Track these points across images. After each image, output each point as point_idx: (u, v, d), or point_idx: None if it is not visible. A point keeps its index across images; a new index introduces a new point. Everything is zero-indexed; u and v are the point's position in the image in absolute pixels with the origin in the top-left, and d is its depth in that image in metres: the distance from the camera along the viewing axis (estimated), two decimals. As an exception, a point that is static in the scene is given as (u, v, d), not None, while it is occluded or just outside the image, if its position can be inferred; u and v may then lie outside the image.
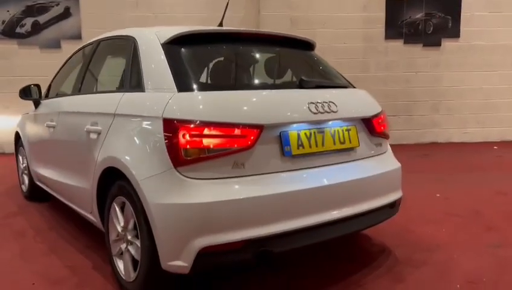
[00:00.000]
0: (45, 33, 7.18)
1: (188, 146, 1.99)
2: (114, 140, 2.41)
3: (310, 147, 2.28)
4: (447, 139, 8.10)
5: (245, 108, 2.14)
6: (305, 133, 2.27)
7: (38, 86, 3.82)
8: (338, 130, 2.41)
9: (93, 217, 2.80)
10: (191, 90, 2.18)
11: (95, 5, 7.21)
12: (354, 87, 2.85)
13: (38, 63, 6.95)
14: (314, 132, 2.30)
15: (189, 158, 1.99)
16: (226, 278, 2.57)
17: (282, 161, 2.19)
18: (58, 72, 3.86)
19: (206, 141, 2.01)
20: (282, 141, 2.18)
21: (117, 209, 2.41)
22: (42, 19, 7.16)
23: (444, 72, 7.95)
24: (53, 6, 7.13)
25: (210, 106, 2.10)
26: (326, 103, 2.35)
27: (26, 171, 4.34)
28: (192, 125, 2.00)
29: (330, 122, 2.38)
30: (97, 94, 2.95)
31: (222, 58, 2.62)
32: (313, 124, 2.30)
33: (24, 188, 4.49)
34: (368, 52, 7.82)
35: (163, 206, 2.00)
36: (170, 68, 2.26)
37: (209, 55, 2.56)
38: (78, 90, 3.22)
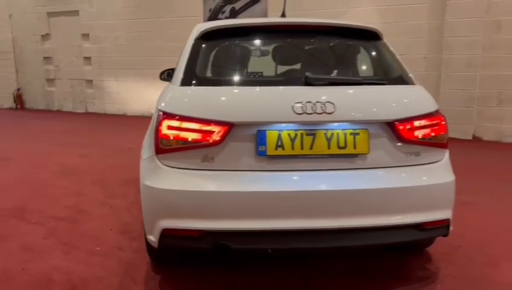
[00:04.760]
0: (239, 18, 8.12)
1: (165, 136, 2.22)
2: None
3: (293, 148, 2.15)
4: None
5: (217, 105, 2.19)
6: (289, 134, 2.15)
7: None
8: (338, 133, 2.16)
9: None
10: (188, 85, 2.35)
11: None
12: (406, 83, 2.42)
13: (231, 45, 7.96)
14: (302, 134, 2.15)
15: (165, 147, 2.22)
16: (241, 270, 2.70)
17: (256, 160, 2.16)
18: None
19: (178, 134, 2.18)
20: (258, 140, 2.15)
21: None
22: (238, 5, 8.12)
23: None
24: (246, -6, 7.99)
25: (187, 101, 2.25)
26: (320, 103, 2.13)
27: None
28: (170, 118, 2.20)
29: (329, 124, 2.16)
30: None
31: (229, 53, 2.63)
32: (303, 125, 2.15)
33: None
34: None
35: (145, 186, 2.30)
36: (186, 63, 2.48)
37: (220, 50, 2.62)
38: None
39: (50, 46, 10.66)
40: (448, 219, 2.30)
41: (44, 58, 10.76)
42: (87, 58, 10.16)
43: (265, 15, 7.81)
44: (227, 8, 8.22)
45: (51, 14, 10.45)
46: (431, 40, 6.70)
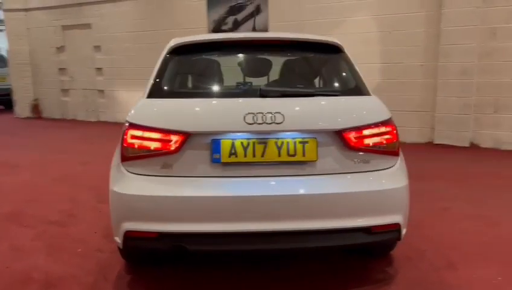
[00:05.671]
0: (241, 29, 8.32)
1: (129, 145, 2.39)
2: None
3: (245, 156, 2.29)
4: None
5: (175, 116, 2.35)
6: (242, 143, 2.29)
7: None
8: (288, 142, 2.30)
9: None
10: (153, 97, 2.53)
11: (281, 2, 7.87)
12: (361, 94, 2.54)
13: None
14: (254, 142, 2.29)
15: (129, 155, 2.40)
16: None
17: (212, 167, 2.31)
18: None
19: (140, 143, 2.36)
20: (212, 148, 2.30)
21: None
22: (240, 16, 8.32)
23: None
24: (248, 5, 8.19)
25: (149, 112, 2.42)
26: (270, 113, 2.28)
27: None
28: (133, 129, 2.38)
29: (279, 134, 2.30)
30: None
31: (194, 67, 2.81)
32: (254, 134, 2.29)
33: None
34: None
35: (111, 192, 2.48)
36: (155, 77, 2.67)
37: (186, 65, 2.80)
38: None
39: (65, 58, 11.10)
40: (398, 223, 2.39)
41: (59, 69, 11.20)
42: (99, 69, 10.54)
43: (266, 25, 7.99)
44: (230, 19, 8.43)
45: (65, 28, 10.89)
46: (427, 48, 6.75)
